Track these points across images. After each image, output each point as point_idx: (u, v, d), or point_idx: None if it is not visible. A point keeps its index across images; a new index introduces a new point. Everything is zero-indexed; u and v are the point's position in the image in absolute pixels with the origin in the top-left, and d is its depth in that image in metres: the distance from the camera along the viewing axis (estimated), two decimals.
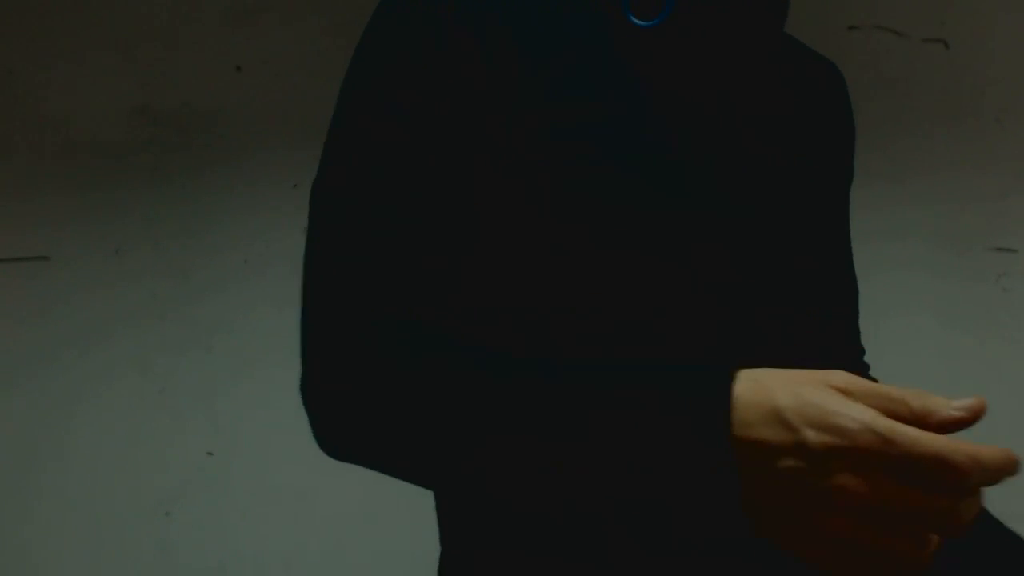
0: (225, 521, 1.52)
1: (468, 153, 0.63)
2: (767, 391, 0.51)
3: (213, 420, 1.52)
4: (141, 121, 1.53)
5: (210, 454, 1.52)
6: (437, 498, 0.72)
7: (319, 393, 0.63)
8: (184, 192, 1.53)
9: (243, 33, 1.53)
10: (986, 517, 0.67)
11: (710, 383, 0.52)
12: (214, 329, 1.52)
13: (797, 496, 0.50)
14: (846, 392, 0.50)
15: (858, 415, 0.49)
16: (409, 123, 0.65)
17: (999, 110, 1.52)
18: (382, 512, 1.52)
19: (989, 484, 0.49)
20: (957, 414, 0.50)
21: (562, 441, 0.54)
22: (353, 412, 0.61)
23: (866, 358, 0.78)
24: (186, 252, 1.53)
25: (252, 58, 1.53)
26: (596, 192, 0.62)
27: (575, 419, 0.54)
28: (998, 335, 1.52)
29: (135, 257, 1.52)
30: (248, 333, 1.52)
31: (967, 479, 0.47)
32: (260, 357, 1.52)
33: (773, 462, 0.50)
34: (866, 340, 0.79)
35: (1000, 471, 0.48)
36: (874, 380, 0.64)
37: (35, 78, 1.52)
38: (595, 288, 0.61)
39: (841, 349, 0.75)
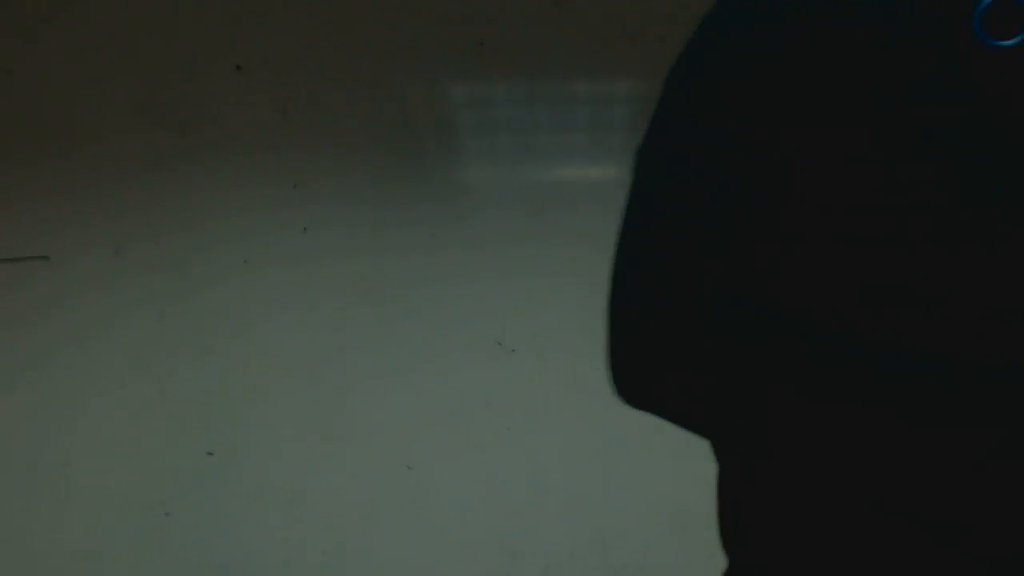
0: (225, 521, 1.52)
1: (805, 152, 0.63)
2: None
3: (213, 420, 1.52)
4: (141, 121, 1.53)
5: (210, 454, 1.52)
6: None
7: (627, 343, 0.65)
8: (184, 192, 1.53)
9: (243, 33, 1.53)
10: None
11: None
12: (214, 329, 1.52)
13: None
14: None
15: None
16: (751, 112, 0.65)
17: None
18: (382, 512, 1.53)
19: None
20: None
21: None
22: (660, 364, 0.63)
23: None
24: (186, 252, 1.53)
25: (252, 58, 1.53)
26: (946, 212, 0.61)
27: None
28: None
29: (135, 257, 1.52)
30: (248, 333, 1.52)
31: None
32: (260, 357, 1.52)
33: None
34: None
35: None
36: None
37: (35, 78, 1.52)
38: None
39: None
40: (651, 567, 1.52)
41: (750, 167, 0.64)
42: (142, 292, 1.52)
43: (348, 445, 1.52)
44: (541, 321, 1.54)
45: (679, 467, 1.57)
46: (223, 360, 1.52)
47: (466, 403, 1.53)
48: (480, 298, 1.53)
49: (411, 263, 1.53)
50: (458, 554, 1.52)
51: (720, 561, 0.71)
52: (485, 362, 1.54)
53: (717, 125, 0.67)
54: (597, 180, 1.58)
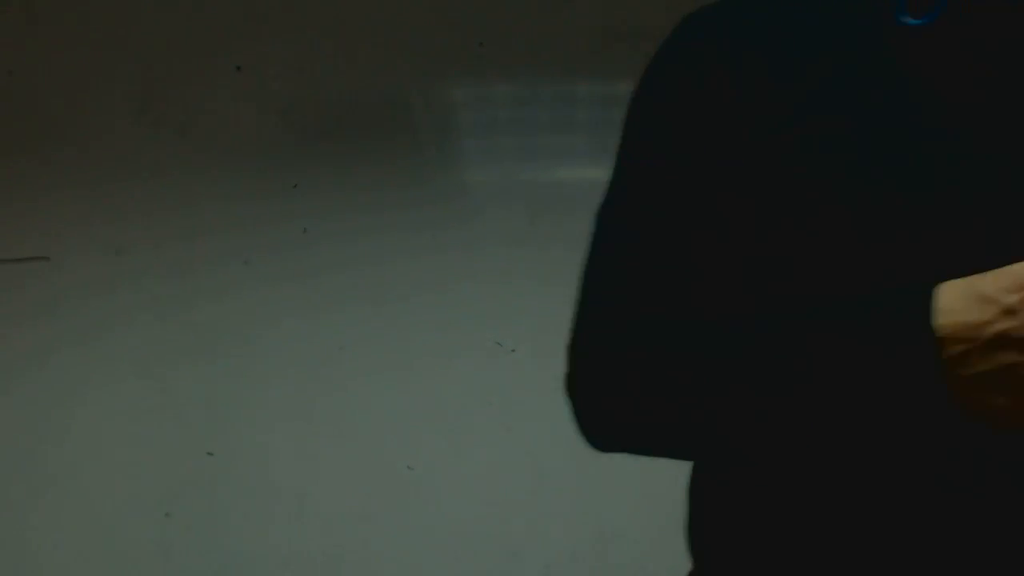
0: (225, 521, 1.52)
1: (724, 177, 0.68)
2: (969, 281, 0.56)
3: (213, 420, 1.52)
4: (141, 121, 1.53)
5: (210, 454, 1.52)
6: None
7: (588, 388, 0.72)
8: (184, 192, 1.53)
9: (243, 33, 1.53)
10: None
11: (912, 292, 0.58)
12: (214, 329, 1.52)
13: (1009, 355, 0.54)
14: None
15: None
16: (670, 158, 0.72)
17: None
18: (382, 512, 1.53)
19: None
20: None
21: (798, 379, 0.60)
22: (619, 401, 0.70)
23: None
24: (186, 252, 1.53)
25: (252, 58, 1.53)
26: (858, 201, 0.64)
27: (807, 358, 0.60)
28: None
29: (135, 257, 1.52)
30: (248, 333, 1.52)
31: None
32: (260, 357, 1.52)
33: (981, 333, 0.55)
34: None
35: None
36: None
37: (35, 78, 1.52)
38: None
39: None
40: (651, 567, 1.52)
41: (655, 215, 0.70)
42: (142, 292, 1.52)
43: (348, 445, 1.52)
44: (541, 321, 1.54)
45: (678, 467, 1.57)
46: (223, 360, 1.52)
47: (466, 403, 1.54)
48: (480, 298, 1.53)
49: (411, 263, 1.53)
50: (458, 554, 1.52)
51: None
52: (485, 362, 1.54)
53: (634, 182, 0.74)
54: (597, 180, 1.58)
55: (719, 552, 0.71)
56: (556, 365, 1.65)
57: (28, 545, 1.51)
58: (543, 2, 1.55)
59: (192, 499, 1.52)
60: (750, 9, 0.73)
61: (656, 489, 1.57)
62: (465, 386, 1.53)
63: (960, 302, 0.56)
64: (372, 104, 1.53)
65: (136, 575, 1.51)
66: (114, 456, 1.51)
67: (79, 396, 1.51)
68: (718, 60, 0.71)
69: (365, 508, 1.52)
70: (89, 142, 1.52)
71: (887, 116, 0.65)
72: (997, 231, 0.63)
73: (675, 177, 0.70)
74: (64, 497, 1.51)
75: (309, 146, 1.53)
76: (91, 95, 1.52)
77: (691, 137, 0.70)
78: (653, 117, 0.74)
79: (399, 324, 1.53)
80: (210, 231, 1.52)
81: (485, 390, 1.54)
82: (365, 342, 1.52)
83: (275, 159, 1.53)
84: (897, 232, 0.62)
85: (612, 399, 0.70)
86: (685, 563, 0.75)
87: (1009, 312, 0.54)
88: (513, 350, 1.54)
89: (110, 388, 1.51)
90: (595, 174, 1.65)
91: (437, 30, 1.54)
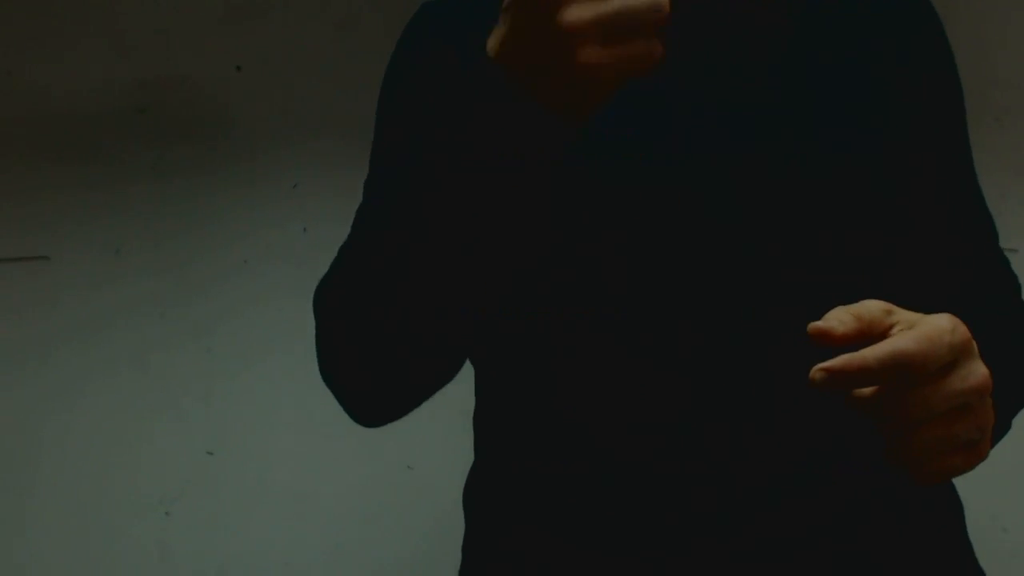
0: (225, 521, 1.52)
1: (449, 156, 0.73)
2: None
3: (213, 420, 1.52)
4: (141, 121, 1.53)
5: (210, 454, 1.52)
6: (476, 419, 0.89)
7: (324, 371, 0.79)
8: (184, 192, 1.53)
9: (243, 33, 1.53)
10: None
11: None
12: (214, 329, 1.52)
13: (550, 52, 0.55)
14: None
15: None
16: (398, 134, 0.82)
17: (999, 110, 1.52)
18: (382, 512, 1.53)
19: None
20: None
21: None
22: (337, 370, 0.79)
23: None
24: (186, 252, 1.53)
25: (252, 58, 1.53)
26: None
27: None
28: None
29: (135, 257, 1.52)
30: (248, 333, 1.52)
31: None
32: (260, 357, 1.52)
33: (522, 46, 0.57)
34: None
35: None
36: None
37: (35, 78, 1.52)
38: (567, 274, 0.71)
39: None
40: None
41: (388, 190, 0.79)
42: (142, 292, 1.52)
43: (348, 445, 1.52)
44: None
45: None
46: (223, 360, 1.52)
47: (466, 402, 1.53)
48: None
49: None
50: (459, 554, 1.52)
51: None
52: None
53: (376, 163, 0.88)
54: None
55: (481, 512, 0.85)
56: None
57: (27, 544, 1.51)
58: None
59: (192, 499, 1.52)
60: None
61: None
62: (466, 385, 1.53)
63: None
64: (372, 104, 1.53)
65: (136, 575, 1.51)
66: (114, 455, 1.51)
67: (78, 395, 1.51)
68: (440, 40, 0.79)
69: (365, 508, 1.52)
70: (89, 142, 1.52)
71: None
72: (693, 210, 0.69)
73: (403, 148, 0.78)
74: (63, 496, 1.51)
75: (309, 146, 1.53)
76: (91, 95, 1.52)
77: (416, 109, 0.79)
78: (388, 98, 0.86)
79: None
80: (209, 231, 1.52)
81: None
82: None
83: (275, 159, 1.53)
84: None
85: (331, 372, 0.79)
86: None
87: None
88: None
89: (110, 387, 1.51)
90: None
91: None
